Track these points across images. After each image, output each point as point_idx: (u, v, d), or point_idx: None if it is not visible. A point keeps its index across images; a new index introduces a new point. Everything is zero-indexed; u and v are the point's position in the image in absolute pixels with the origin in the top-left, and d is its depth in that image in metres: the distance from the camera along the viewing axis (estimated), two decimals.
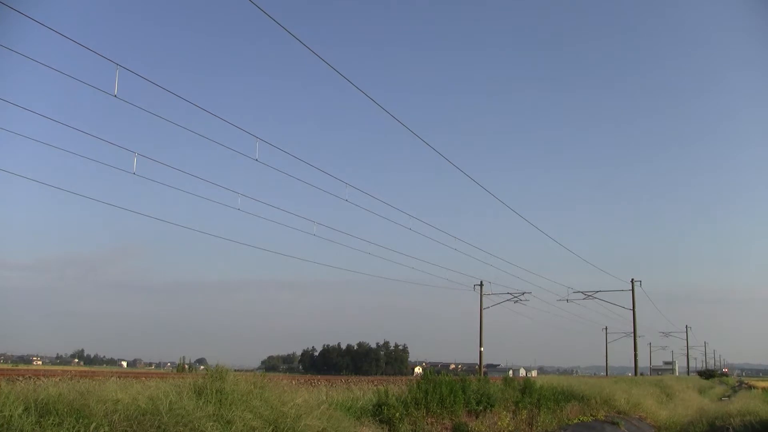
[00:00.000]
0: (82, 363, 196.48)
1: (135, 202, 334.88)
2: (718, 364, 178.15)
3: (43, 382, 11.56)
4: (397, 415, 15.48)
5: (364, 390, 18.61)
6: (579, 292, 62.06)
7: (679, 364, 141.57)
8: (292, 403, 11.91)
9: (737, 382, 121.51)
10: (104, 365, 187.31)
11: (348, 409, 14.69)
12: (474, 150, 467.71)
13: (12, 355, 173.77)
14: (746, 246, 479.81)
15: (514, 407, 22.08)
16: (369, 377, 32.95)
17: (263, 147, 21.72)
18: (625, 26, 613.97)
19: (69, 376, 13.50)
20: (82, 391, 9.40)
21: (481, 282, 57.98)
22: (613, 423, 27.26)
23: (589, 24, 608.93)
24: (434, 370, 28.72)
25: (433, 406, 17.65)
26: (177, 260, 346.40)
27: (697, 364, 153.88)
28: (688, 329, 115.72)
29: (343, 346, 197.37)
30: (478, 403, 20.27)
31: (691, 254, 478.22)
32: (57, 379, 11.91)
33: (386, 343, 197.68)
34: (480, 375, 37.23)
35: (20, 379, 13.80)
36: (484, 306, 57.81)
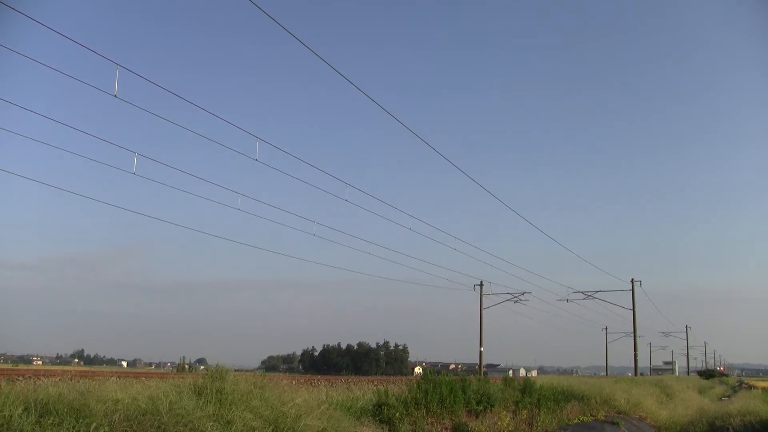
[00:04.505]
0: (82, 363, 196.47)
1: (135, 202, 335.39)
2: (718, 363, 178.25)
3: (43, 382, 11.55)
4: (397, 415, 15.48)
5: (364, 390, 18.62)
6: (579, 292, 62.17)
7: (679, 364, 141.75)
8: (292, 403, 11.90)
9: (737, 382, 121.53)
10: (104, 365, 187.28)
11: (348, 409, 14.69)
12: (474, 150, 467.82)
13: (12, 355, 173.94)
14: (746, 246, 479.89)
15: (514, 407, 22.08)
16: (369, 377, 32.96)
17: (263, 147, 21.75)
18: (625, 26, 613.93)
19: (69, 376, 13.50)
20: (82, 391, 9.39)
21: (481, 282, 58.05)
22: (613, 423, 27.26)
23: (590, 24, 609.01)
24: (434, 370, 28.72)
25: (433, 406, 17.65)
26: (177, 260, 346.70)
27: (697, 364, 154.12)
28: (688, 329, 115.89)
29: (343, 346, 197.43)
30: (478, 403, 20.27)
31: (691, 254, 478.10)
32: (57, 379, 11.90)
33: (386, 343, 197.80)
34: (480, 375, 37.23)
35: (20, 379, 13.80)
36: (484, 306, 57.88)
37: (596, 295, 61.53)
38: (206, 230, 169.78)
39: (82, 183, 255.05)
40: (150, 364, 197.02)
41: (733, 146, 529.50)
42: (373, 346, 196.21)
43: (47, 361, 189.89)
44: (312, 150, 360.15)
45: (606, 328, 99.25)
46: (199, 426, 9.42)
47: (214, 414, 10.06)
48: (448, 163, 36.49)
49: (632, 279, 60.73)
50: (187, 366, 47.53)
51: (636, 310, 60.82)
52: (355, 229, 50.70)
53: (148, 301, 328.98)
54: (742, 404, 32.38)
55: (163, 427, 9.04)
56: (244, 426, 10.19)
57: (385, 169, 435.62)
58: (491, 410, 20.51)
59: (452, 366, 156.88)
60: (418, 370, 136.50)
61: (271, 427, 10.71)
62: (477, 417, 19.68)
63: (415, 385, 18.60)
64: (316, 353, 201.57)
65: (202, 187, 69.11)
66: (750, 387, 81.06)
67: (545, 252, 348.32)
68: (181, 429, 9.22)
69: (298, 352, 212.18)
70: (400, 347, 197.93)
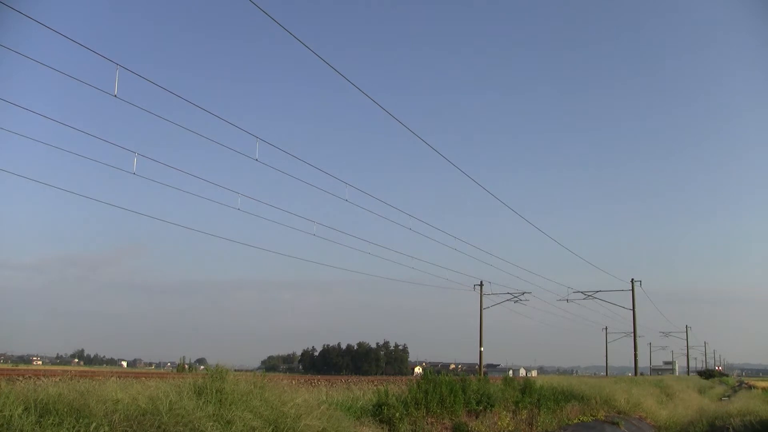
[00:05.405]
0: (82, 363, 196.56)
1: (135, 202, 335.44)
2: (718, 363, 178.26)
3: (43, 382, 11.56)
4: (397, 415, 15.48)
5: (364, 390, 18.64)
6: (579, 292, 62.11)
7: (679, 364, 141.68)
8: (292, 403, 11.91)
9: (737, 382, 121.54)
10: (104, 365, 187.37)
11: (348, 409, 14.69)
12: (474, 150, 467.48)
13: (12, 355, 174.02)
14: (746, 246, 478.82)
15: (514, 407, 22.08)
16: (369, 377, 33.02)
17: (263, 147, 21.70)
18: (626, 27, 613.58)
19: (69, 376, 13.49)
20: (82, 391, 9.39)
21: (481, 282, 58.03)
22: (613, 423, 27.26)
23: (590, 25, 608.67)
24: (434, 370, 28.74)
25: (433, 406, 17.65)
26: (177, 260, 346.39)
27: (697, 364, 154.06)
28: (688, 329, 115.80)
29: (343, 346, 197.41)
30: (478, 403, 20.28)
31: (691, 254, 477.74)
32: (57, 379, 11.90)
33: (386, 343, 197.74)
34: (480, 375, 37.27)
35: (20, 379, 13.81)
36: (484, 306, 57.87)
37: (596, 295, 61.56)
38: (206, 230, 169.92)
39: (82, 183, 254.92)
40: (150, 364, 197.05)
41: (734, 146, 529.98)
42: (373, 346, 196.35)
43: (47, 361, 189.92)
44: (312, 150, 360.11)
45: (606, 328, 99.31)
46: (199, 426, 9.42)
47: (214, 414, 10.06)
48: (448, 162, 36.45)
49: (632, 279, 60.76)
50: (187, 366, 47.45)
51: (636, 310, 60.83)
52: (355, 229, 50.74)
53: (147, 301, 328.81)
54: (742, 404, 32.44)
55: (163, 427, 9.04)
56: (244, 426, 10.19)
57: (385, 168, 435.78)
58: (491, 410, 20.51)
59: (452, 366, 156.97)
60: (418, 370, 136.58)
61: (271, 427, 10.71)
62: (477, 417, 19.68)
63: (415, 385, 18.61)
64: (316, 353, 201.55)
65: (202, 187, 69.04)
66: (750, 387, 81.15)
67: (545, 252, 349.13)
68: (181, 429, 9.22)
69: (298, 352, 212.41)
70: (400, 347, 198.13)
